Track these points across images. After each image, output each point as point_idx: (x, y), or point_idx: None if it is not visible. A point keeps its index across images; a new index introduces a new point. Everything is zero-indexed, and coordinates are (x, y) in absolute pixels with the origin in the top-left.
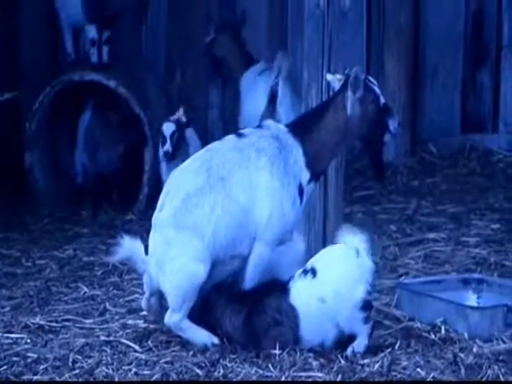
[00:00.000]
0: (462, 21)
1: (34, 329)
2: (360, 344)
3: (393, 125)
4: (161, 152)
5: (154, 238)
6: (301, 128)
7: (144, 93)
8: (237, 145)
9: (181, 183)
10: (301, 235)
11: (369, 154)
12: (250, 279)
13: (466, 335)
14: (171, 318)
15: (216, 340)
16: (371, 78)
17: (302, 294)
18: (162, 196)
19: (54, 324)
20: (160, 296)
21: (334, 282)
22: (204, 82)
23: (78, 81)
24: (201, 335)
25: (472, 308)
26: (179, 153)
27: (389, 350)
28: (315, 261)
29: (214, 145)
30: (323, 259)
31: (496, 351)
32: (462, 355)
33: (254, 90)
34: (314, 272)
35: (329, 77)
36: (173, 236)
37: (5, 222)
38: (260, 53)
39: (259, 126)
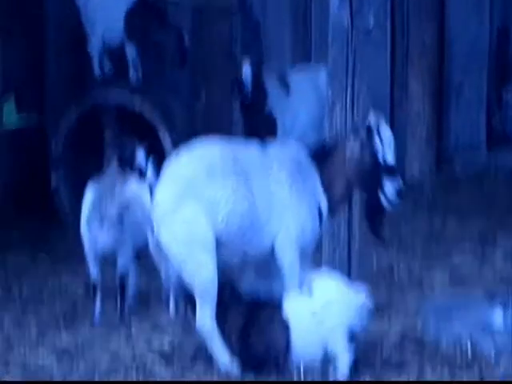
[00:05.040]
0: (486, 38)
1: (60, 349)
2: (342, 363)
3: (389, 190)
4: None
5: (163, 187)
6: (319, 158)
7: (169, 114)
8: (261, 153)
9: (204, 152)
10: None
11: (366, 208)
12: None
13: (492, 354)
14: (205, 322)
15: (236, 368)
16: (384, 131)
17: (295, 308)
18: (182, 151)
19: (80, 343)
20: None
21: (327, 299)
22: (228, 101)
23: (102, 103)
24: (224, 357)
25: (498, 326)
26: None
27: (415, 369)
28: (312, 280)
29: (239, 142)
30: (320, 280)
31: None
32: (488, 373)
33: None
34: (309, 290)
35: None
36: (186, 197)
37: (32, 242)
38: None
39: (282, 143)
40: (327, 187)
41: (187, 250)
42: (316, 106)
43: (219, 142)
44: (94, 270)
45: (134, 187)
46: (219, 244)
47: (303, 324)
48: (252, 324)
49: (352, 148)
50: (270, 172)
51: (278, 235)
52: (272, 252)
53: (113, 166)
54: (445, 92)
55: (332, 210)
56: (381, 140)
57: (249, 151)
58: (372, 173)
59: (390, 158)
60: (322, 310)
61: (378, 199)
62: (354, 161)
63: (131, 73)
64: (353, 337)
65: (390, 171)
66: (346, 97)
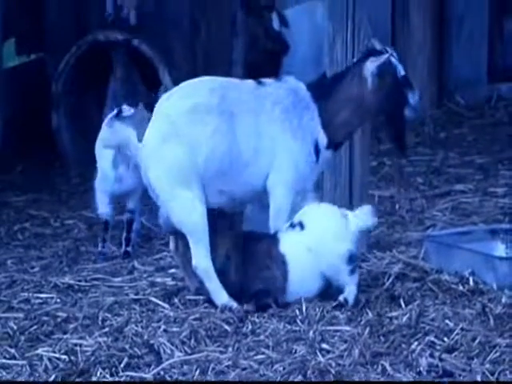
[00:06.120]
0: None
1: (63, 288)
2: (349, 293)
3: (413, 98)
4: None
5: (152, 126)
6: (319, 90)
7: (169, 51)
8: (255, 91)
9: (193, 91)
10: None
11: (389, 129)
12: (274, 227)
13: (494, 286)
14: (200, 261)
15: (235, 305)
16: (390, 49)
17: (290, 243)
18: (173, 89)
19: (83, 283)
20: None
21: (319, 232)
22: (228, 39)
23: (103, 40)
24: (221, 296)
25: (500, 258)
26: None
27: (417, 302)
28: (301, 215)
29: (233, 81)
30: (309, 214)
31: None
32: (490, 306)
33: None
34: (301, 225)
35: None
36: (170, 136)
37: (34, 183)
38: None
39: (279, 79)
40: (328, 123)
41: (171, 190)
42: (315, 42)
43: (212, 80)
44: (106, 208)
45: (120, 129)
46: (202, 184)
47: (300, 259)
48: (249, 258)
49: (372, 74)
50: (262, 110)
51: (269, 175)
52: (266, 192)
53: (137, 110)
54: (446, 24)
55: (333, 145)
56: (393, 55)
57: (242, 89)
58: (396, 92)
59: (403, 71)
60: (317, 244)
61: (403, 116)
62: (376, 86)
63: (131, 12)
64: (355, 262)
65: (409, 82)
66: (346, 31)
